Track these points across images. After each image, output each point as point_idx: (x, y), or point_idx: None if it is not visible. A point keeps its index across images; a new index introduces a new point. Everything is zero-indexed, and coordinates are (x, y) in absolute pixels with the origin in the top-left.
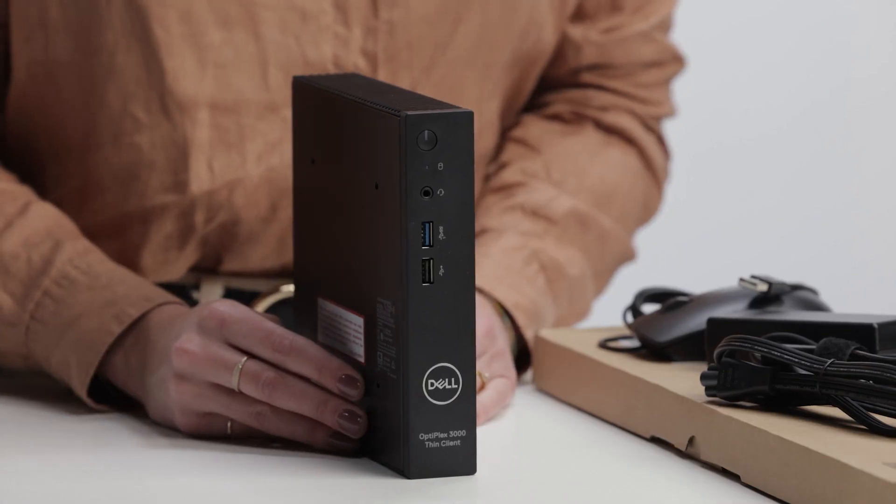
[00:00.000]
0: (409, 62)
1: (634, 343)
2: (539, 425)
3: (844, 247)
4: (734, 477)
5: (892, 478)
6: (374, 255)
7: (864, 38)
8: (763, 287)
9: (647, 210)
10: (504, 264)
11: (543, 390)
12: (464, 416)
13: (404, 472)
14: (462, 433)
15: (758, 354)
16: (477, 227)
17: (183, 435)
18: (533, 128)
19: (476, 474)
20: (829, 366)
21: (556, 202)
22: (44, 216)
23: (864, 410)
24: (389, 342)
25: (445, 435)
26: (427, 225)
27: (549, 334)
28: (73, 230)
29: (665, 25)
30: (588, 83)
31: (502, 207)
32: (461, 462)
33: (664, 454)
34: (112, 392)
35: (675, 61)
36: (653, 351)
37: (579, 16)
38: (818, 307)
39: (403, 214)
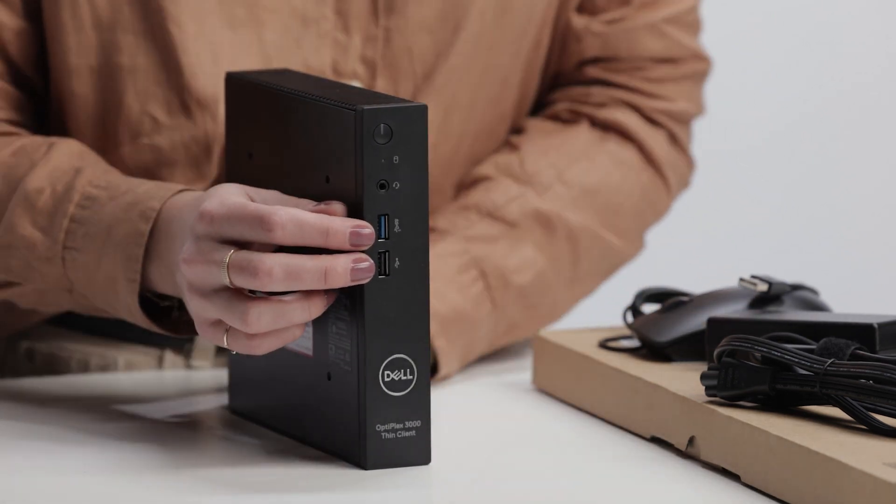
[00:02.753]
0: (411, 70)
1: (634, 343)
2: (538, 425)
3: (845, 247)
4: (734, 477)
5: (892, 478)
6: (327, 248)
7: (867, 43)
8: (763, 287)
9: (650, 205)
10: (433, 269)
11: (543, 390)
12: (419, 406)
13: (360, 462)
14: (417, 423)
15: (758, 354)
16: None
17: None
18: (526, 129)
19: (476, 473)
20: (829, 366)
21: (515, 203)
22: (68, 152)
23: (864, 410)
24: (343, 335)
25: (401, 426)
26: (383, 218)
27: (549, 334)
28: (97, 158)
29: (680, 21)
30: (593, 78)
31: (457, 206)
32: (416, 452)
33: (664, 454)
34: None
35: (694, 59)
36: (653, 351)
37: (586, 7)
38: (818, 307)
39: (359, 207)
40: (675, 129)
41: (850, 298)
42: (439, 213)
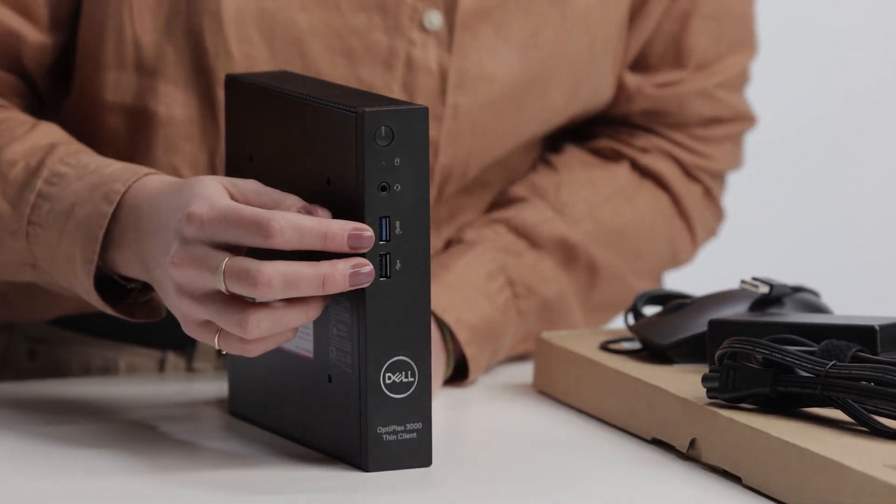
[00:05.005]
0: (471, 143)
1: (635, 345)
2: (540, 426)
3: (847, 249)
4: (735, 479)
5: (893, 480)
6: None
7: (873, 46)
8: (764, 289)
9: (674, 254)
10: (462, 277)
11: (544, 392)
12: (420, 408)
13: (362, 465)
14: (418, 426)
15: (759, 356)
16: (455, 237)
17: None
18: (566, 153)
19: (476, 476)
20: (830, 368)
21: (545, 225)
22: (49, 132)
23: (865, 412)
24: (344, 337)
25: (402, 428)
26: (384, 220)
27: (550, 336)
28: (72, 139)
29: (733, 84)
30: (639, 125)
31: (487, 219)
32: (417, 454)
33: (666, 456)
34: (123, 285)
35: (740, 119)
36: (654, 353)
37: (640, 65)
38: (819, 309)
39: (360, 209)
40: (711, 184)
41: (851, 301)
42: (470, 224)
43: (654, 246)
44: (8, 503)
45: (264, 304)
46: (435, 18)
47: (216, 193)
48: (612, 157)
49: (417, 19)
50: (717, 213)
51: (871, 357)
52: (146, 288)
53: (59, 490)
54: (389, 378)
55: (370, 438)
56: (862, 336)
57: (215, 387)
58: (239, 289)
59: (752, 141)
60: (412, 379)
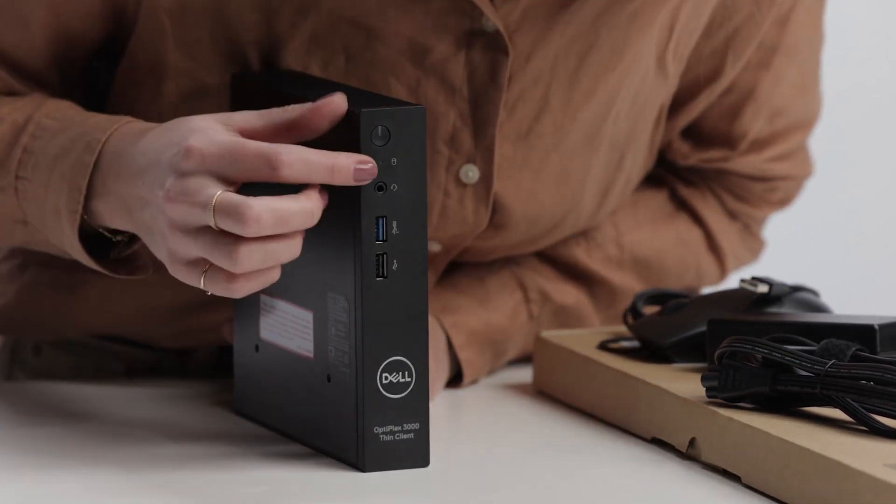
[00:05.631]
0: (486, 255)
1: (634, 344)
2: (538, 426)
3: (846, 249)
4: (735, 478)
5: (892, 479)
6: (325, 249)
7: (871, 44)
8: (763, 288)
9: (699, 281)
10: (467, 281)
11: (543, 391)
12: (417, 408)
13: (359, 465)
14: (416, 426)
15: (759, 356)
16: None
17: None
18: None
19: (474, 476)
20: (829, 367)
21: (564, 248)
22: (40, 96)
23: (864, 412)
24: (342, 336)
25: (399, 428)
26: (381, 220)
27: (550, 336)
28: (64, 101)
29: (787, 155)
30: (688, 166)
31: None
32: (415, 454)
33: (665, 455)
34: (111, 241)
35: (794, 179)
36: (653, 352)
37: (692, 134)
38: (819, 308)
39: (357, 209)
40: (752, 222)
41: (851, 300)
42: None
43: (679, 275)
44: (7, 502)
45: (256, 238)
46: (472, 172)
47: (214, 129)
48: (653, 180)
49: (454, 172)
50: (756, 247)
51: (871, 356)
52: (132, 241)
53: (60, 491)
54: (386, 378)
55: (367, 438)
56: (861, 335)
57: (214, 388)
58: (227, 225)
59: None
60: (409, 379)
